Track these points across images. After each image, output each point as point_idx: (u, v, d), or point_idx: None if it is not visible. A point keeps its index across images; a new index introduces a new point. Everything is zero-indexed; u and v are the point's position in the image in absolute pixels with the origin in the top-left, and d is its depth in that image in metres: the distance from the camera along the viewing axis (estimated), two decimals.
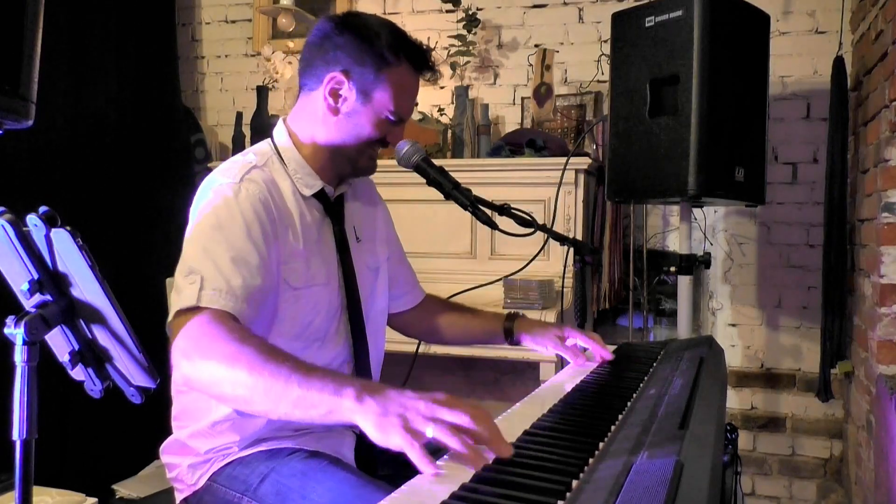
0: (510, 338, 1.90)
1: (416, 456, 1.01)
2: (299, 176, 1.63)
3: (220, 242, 1.43)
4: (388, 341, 1.93)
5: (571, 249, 1.99)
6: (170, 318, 1.39)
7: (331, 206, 1.69)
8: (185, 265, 1.41)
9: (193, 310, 1.35)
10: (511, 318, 1.92)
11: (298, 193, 1.62)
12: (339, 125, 1.63)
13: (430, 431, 1.04)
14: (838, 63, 3.06)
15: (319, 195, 1.67)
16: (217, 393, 1.34)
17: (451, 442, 1.02)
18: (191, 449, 1.59)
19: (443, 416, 1.06)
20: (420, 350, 2.13)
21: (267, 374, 1.22)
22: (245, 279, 1.40)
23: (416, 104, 1.73)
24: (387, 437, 1.06)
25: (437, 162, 1.82)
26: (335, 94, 1.61)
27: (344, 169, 1.68)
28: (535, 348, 1.88)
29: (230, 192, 1.49)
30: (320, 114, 1.63)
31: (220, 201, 1.48)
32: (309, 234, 1.61)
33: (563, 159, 2.93)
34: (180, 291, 1.37)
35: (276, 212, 1.54)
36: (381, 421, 1.07)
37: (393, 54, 1.58)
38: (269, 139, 1.69)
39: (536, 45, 3.61)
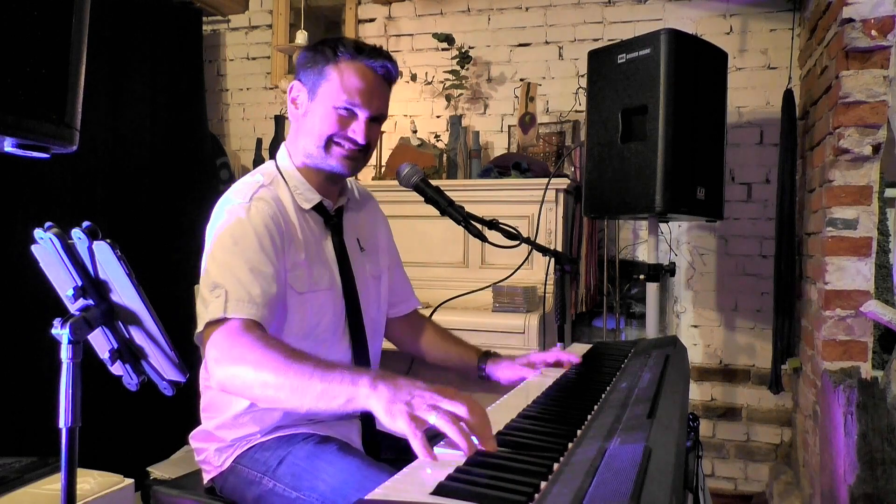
0: (481, 374, 1.84)
1: (416, 444, 1.00)
2: (299, 192, 1.62)
3: (238, 257, 1.43)
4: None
5: (552, 259, 1.99)
6: (199, 328, 1.39)
7: (330, 219, 1.67)
8: (210, 280, 1.41)
9: (221, 320, 1.35)
10: (486, 356, 1.85)
11: (299, 207, 1.61)
12: (302, 129, 1.60)
13: (433, 418, 1.03)
14: (788, 95, 3.08)
15: (320, 209, 1.65)
16: (250, 395, 1.35)
17: (449, 430, 1.01)
18: (217, 437, 1.59)
19: (443, 405, 1.05)
20: None
21: (292, 373, 1.22)
22: (263, 287, 1.40)
23: (380, 102, 1.58)
24: (393, 421, 1.05)
25: (433, 182, 1.82)
26: (294, 101, 1.61)
27: (328, 174, 1.63)
28: (500, 380, 1.80)
29: (242, 211, 1.49)
30: (295, 128, 1.63)
31: (234, 221, 1.48)
32: (310, 244, 1.59)
33: (545, 180, 2.94)
34: (207, 305, 1.37)
35: (284, 225, 1.53)
36: (390, 406, 1.07)
37: (331, 50, 1.55)
38: (273, 160, 1.68)
39: (521, 79, 3.62)
